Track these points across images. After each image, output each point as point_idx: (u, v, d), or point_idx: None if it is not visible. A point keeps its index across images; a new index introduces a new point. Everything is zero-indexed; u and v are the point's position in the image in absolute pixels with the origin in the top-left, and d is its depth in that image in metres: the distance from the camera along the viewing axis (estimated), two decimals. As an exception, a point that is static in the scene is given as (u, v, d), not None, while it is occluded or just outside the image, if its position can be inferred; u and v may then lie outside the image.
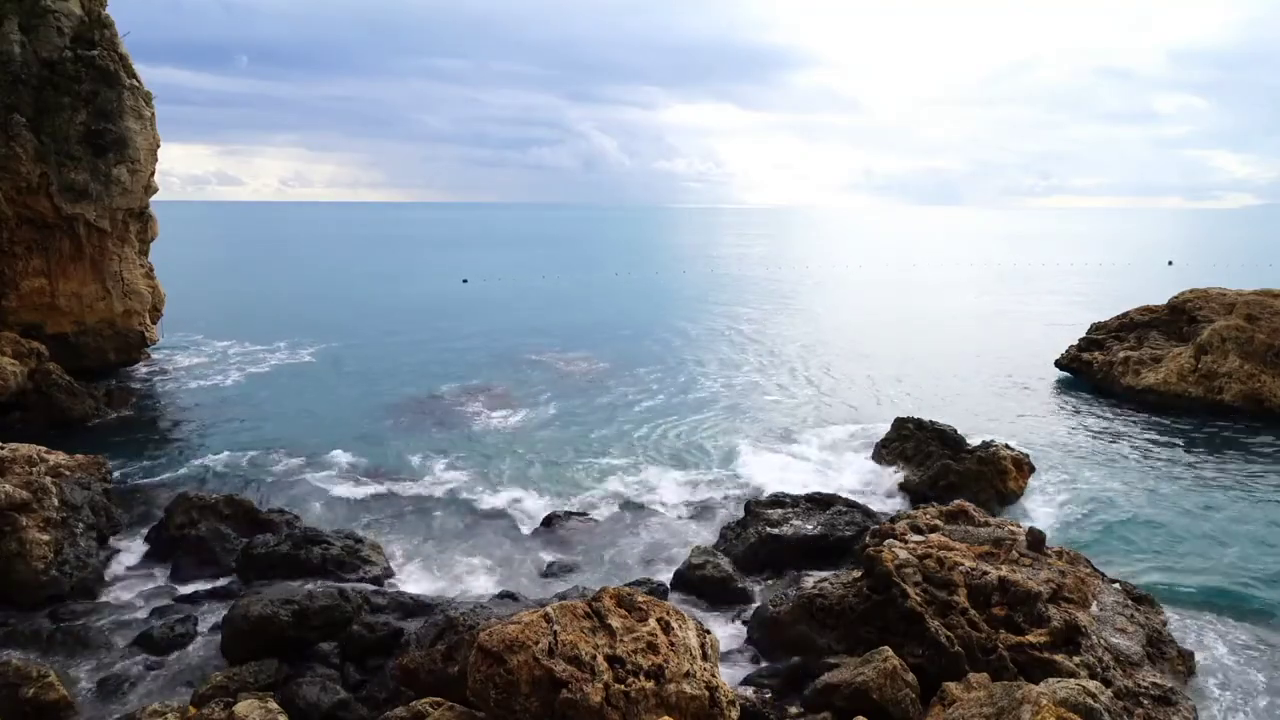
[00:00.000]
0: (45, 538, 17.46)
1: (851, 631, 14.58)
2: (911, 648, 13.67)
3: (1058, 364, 39.71)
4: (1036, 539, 16.33)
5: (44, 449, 20.33)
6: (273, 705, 12.29)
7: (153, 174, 35.95)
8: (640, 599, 12.30)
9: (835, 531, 19.73)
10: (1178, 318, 36.84)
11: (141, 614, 16.72)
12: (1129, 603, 15.36)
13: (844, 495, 21.97)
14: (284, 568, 18.18)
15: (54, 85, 32.14)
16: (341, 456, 26.77)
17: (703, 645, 12.12)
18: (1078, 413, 33.11)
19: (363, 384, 37.19)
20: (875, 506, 21.88)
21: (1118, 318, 39.46)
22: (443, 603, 16.27)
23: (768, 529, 19.86)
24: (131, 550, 19.74)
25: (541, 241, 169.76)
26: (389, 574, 18.82)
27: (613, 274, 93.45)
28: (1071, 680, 11.49)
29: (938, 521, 17.71)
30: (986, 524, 17.65)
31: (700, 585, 17.96)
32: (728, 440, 29.19)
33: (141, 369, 38.26)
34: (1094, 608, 14.69)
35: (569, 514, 22.26)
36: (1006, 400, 35.03)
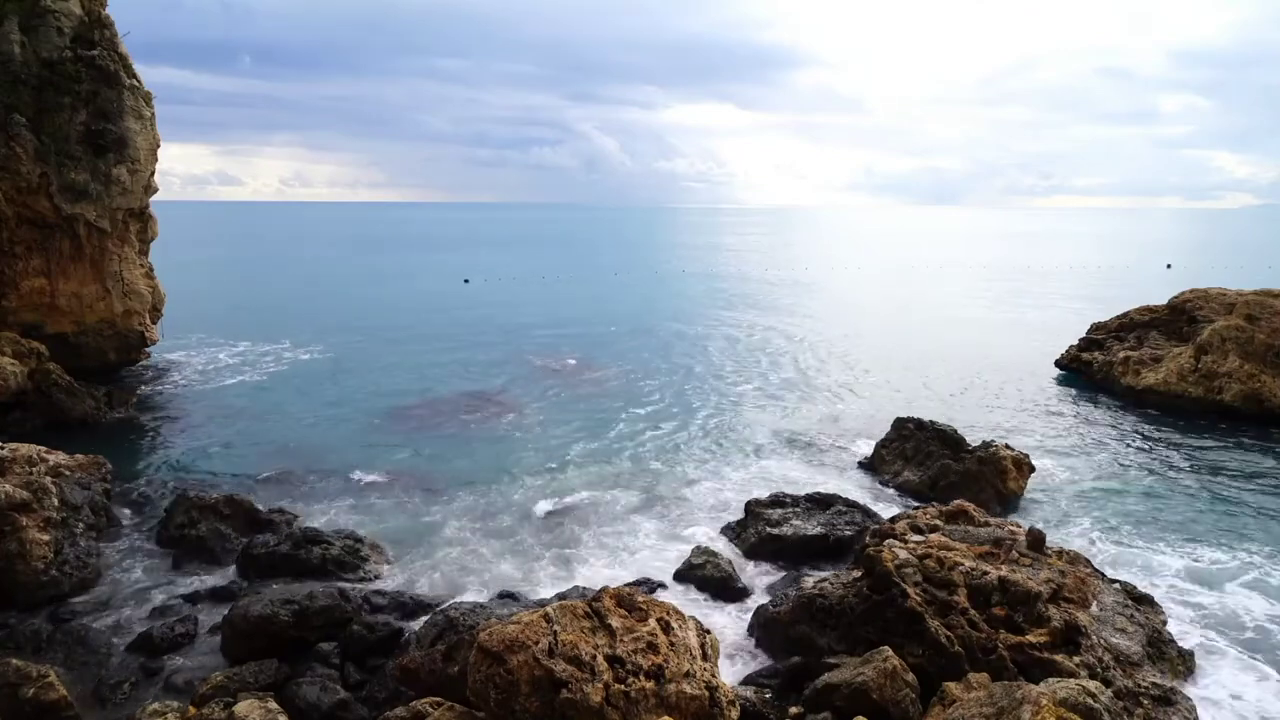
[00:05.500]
0: (45, 538, 17.46)
1: (851, 631, 14.58)
2: (911, 648, 13.66)
3: (1058, 364, 39.73)
4: (1036, 539, 16.32)
5: (44, 449, 20.34)
6: (273, 705, 12.30)
7: (153, 174, 35.95)
8: (640, 599, 12.31)
9: (835, 531, 19.75)
10: (1178, 318, 36.86)
11: (141, 614, 16.71)
12: (1129, 603, 15.36)
13: (844, 495, 21.98)
14: (284, 568, 18.20)
15: (54, 85, 32.14)
16: (341, 456, 26.78)
17: (703, 645, 12.13)
18: (1078, 413, 33.11)
19: (363, 384, 37.19)
20: (875, 506, 21.88)
21: (1118, 318, 39.48)
22: (443, 603, 16.27)
23: (768, 529, 19.88)
24: (131, 550, 19.73)
25: (542, 242, 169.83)
26: (389, 574, 18.84)
27: (612, 274, 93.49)
28: (1071, 680, 11.48)
29: (938, 521, 17.72)
30: (986, 524, 17.65)
31: (700, 585, 17.98)
32: (728, 439, 29.19)
33: (141, 369, 38.26)
34: (1094, 608, 14.68)
35: (569, 514, 22.27)
36: (1006, 400, 35.02)
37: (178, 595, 17.53)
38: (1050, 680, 11.49)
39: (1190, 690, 13.98)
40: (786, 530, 19.77)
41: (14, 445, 19.73)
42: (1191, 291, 38.06)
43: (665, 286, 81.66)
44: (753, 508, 21.03)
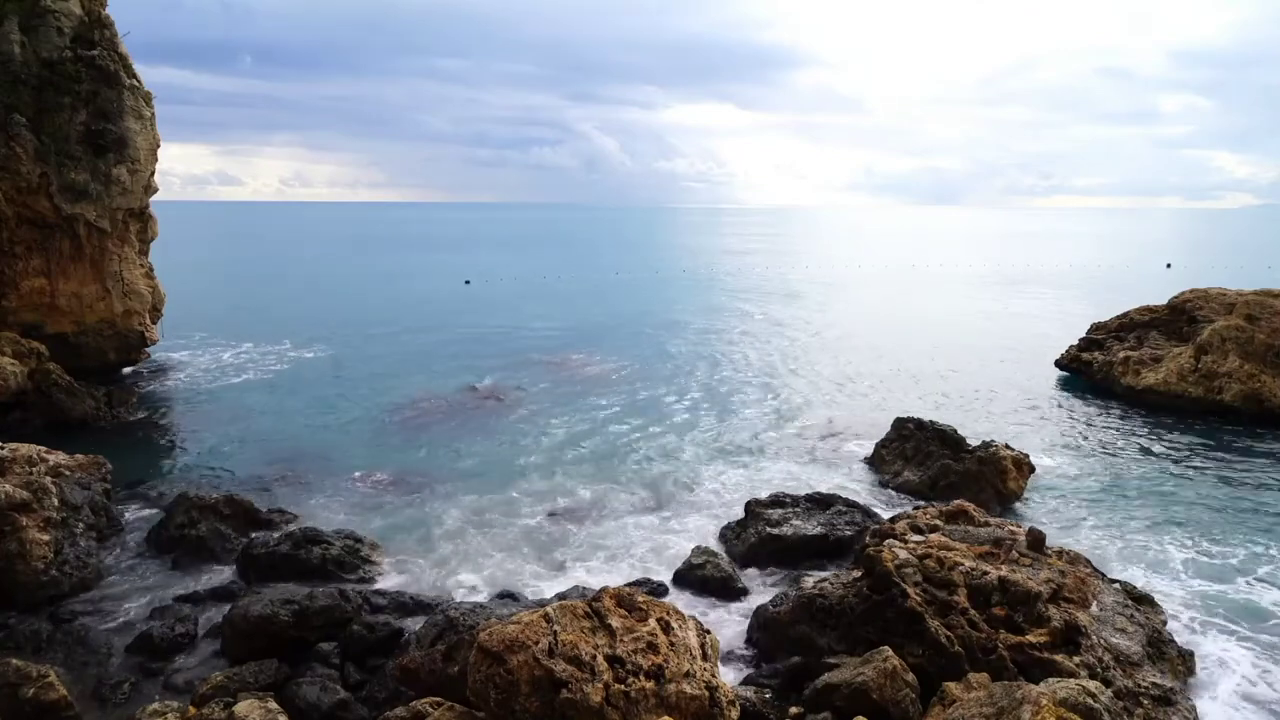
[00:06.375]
0: (45, 538, 17.45)
1: (851, 631, 14.58)
2: (911, 648, 13.67)
3: (1058, 364, 39.71)
4: (1036, 539, 16.33)
5: (44, 449, 20.33)
6: (273, 705, 12.30)
7: (153, 174, 35.96)
8: (640, 599, 12.31)
9: (835, 531, 19.75)
10: (1178, 318, 36.84)
11: (142, 614, 16.70)
12: (1129, 603, 15.36)
13: (844, 495, 21.98)
14: (284, 568, 18.20)
15: (54, 85, 32.15)
16: (342, 456, 26.79)
17: (703, 645, 12.13)
18: (1078, 413, 33.11)
19: (363, 384, 37.19)
20: (875, 507, 21.88)
21: (1118, 318, 39.46)
22: (443, 603, 16.28)
23: (768, 529, 19.87)
24: (131, 550, 19.74)
25: (542, 242, 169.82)
26: (389, 574, 18.84)
27: (613, 274, 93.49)
28: (1071, 680, 11.49)
29: (938, 521, 17.72)
30: (986, 524, 17.65)
31: (700, 585, 17.98)
32: (728, 439, 29.19)
33: (142, 369, 38.28)
34: (1094, 608, 14.69)
35: (570, 513, 22.28)
36: (1006, 400, 35.03)
37: (178, 595, 17.52)
38: (1050, 680, 11.49)
39: (1190, 690, 13.99)
40: (786, 530, 19.76)
41: (14, 445, 19.71)
42: (1191, 291, 38.04)
43: (666, 286, 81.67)
44: (753, 508, 21.02)
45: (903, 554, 15.02)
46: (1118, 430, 30.42)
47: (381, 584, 18.20)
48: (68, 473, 20.13)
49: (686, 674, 11.32)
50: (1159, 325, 37.29)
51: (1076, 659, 13.14)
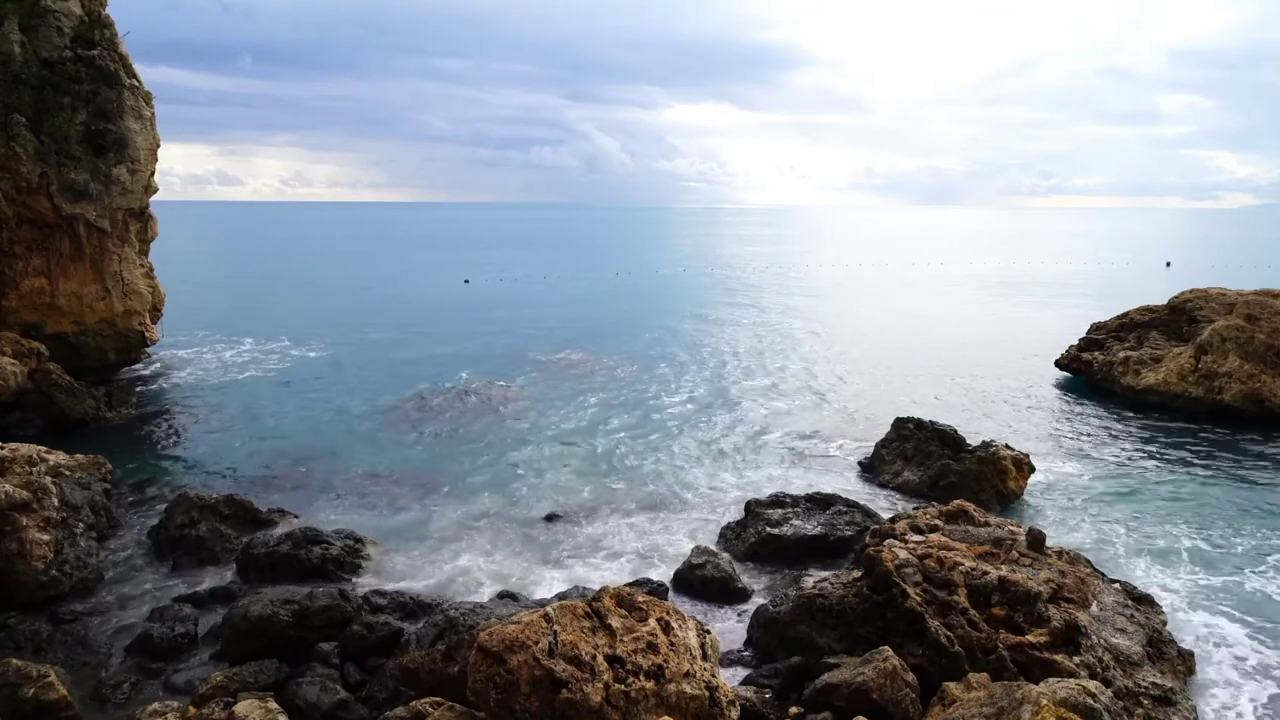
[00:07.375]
0: (45, 538, 17.45)
1: (851, 631, 14.58)
2: (911, 648, 13.67)
3: (1058, 364, 39.71)
4: (1036, 539, 16.33)
5: (44, 449, 20.32)
6: (273, 705, 12.30)
7: (153, 174, 35.93)
8: (640, 599, 12.31)
9: (835, 531, 19.75)
10: (1178, 318, 36.82)
11: (142, 614, 16.69)
12: (1129, 603, 15.36)
13: (844, 495, 21.98)
14: (284, 568, 18.20)
15: (54, 85, 32.13)
16: (342, 455, 26.79)
17: (703, 645, 12.13)
18: (1078, 413, 33.11)
19: (364, 383, 37.19)
20: (875, 506, 21.88)
21: (1118, 318, 39.44)
22: (443, 603, 16.27)
23: (768, 529, 19.88)
24: (131, 550, 19.75)
25: (542, 241, 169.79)
26: (389, 574, 18.84)
27: (614, 274, 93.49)
28: (1071, 680, 11.49)
29: (938, 521, 17.72)
30: (986, 524, 17.66)
31: (700, 585, 17.98)
32: (728, 439, 29.19)
33: (142, 369, 38.28)
34: (1094, 608, 14.69)
35: (570, 513, 22.27)
36: (1006, 400, 35.03)
37: (178, 595, 17.52)
38: (1050, 680, 11.49)
39: (1190, 690, 13.99)
40: (786, 530, 19.77)
41: (14, 445, 19.71)
42: (1191, 291, 38.01)
43: (666, 286, 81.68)
44: (753, 508, 21.03)
45: (903, 554, 15.03)
46: (1118, 430, 30.42)
47: (382, 584, 18.19)
48: (68, 473, 20.13)
49: (686, 674, 11.32)
50: (1159, 325, 37.27)
51: (1076, 659, 13.14)
